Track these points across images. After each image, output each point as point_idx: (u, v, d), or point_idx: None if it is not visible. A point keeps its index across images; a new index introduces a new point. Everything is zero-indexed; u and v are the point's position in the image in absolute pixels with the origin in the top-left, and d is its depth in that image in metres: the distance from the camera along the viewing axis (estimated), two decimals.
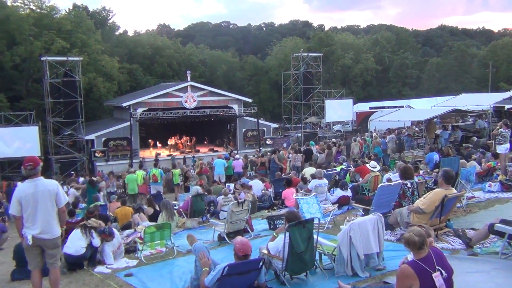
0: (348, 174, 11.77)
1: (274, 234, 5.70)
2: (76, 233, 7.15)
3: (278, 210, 10.37)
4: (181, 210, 10.49)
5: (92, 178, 18.68)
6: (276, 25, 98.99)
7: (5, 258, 9.48)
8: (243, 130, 35.73)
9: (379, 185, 7.61)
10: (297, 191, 10.19)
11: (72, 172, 26.80)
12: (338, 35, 66.34)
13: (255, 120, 34.74)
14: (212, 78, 56.72)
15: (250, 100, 36.95)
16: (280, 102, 55.16)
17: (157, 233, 7.39)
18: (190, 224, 9.67)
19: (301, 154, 16.43)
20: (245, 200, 7.90)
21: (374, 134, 21.88)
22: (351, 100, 40.78)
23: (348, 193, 9.50)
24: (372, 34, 74.15)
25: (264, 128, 36.70)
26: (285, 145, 34.85)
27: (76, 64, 30.51)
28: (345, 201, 10.11)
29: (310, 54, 39.45)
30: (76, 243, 7.01)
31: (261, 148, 33.03)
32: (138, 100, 32.73)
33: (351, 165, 13.45)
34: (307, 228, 5.32)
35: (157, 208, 10.32)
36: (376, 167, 10.60)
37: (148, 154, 32.96)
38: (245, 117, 35.23)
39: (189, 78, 34.42)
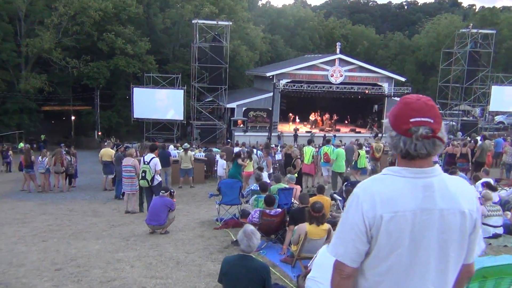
0: None
1: None
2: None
3: None
4: None
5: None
6: (419, 4, 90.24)
7: (179, 251, 6.41)
8: None
9: None
10: None
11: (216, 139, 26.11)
12: (504, 13, 57.17)
13: None
14: (353, 54, 52.88)
15: (403, 79, 32.85)
16: (426, 85, 49.59)
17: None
18: None
19: None
20: None
21: None
22: None
23: None
24: None
25: None
26: None
27: (225, 30, 29.77)
28: None
29: (480, 31, 33.68)
30: None
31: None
32: (282, 70, 31.05)
33: None
34: None
35: None
36: None
37: (287, 128, 31.14)
38: (395, 98, 31.36)
39: (338, 51, 31.53)
